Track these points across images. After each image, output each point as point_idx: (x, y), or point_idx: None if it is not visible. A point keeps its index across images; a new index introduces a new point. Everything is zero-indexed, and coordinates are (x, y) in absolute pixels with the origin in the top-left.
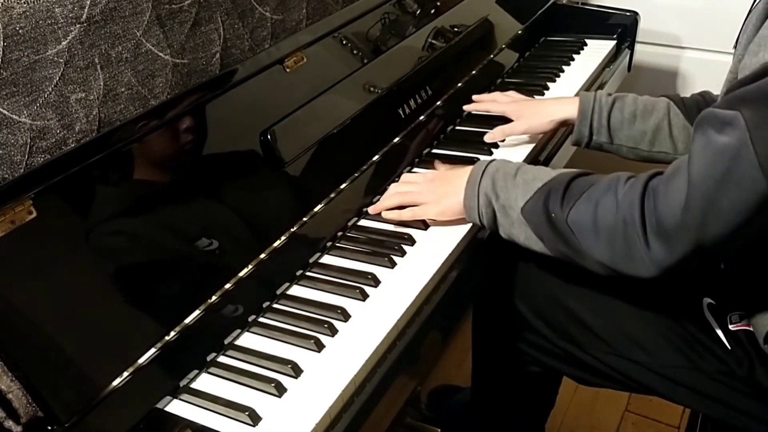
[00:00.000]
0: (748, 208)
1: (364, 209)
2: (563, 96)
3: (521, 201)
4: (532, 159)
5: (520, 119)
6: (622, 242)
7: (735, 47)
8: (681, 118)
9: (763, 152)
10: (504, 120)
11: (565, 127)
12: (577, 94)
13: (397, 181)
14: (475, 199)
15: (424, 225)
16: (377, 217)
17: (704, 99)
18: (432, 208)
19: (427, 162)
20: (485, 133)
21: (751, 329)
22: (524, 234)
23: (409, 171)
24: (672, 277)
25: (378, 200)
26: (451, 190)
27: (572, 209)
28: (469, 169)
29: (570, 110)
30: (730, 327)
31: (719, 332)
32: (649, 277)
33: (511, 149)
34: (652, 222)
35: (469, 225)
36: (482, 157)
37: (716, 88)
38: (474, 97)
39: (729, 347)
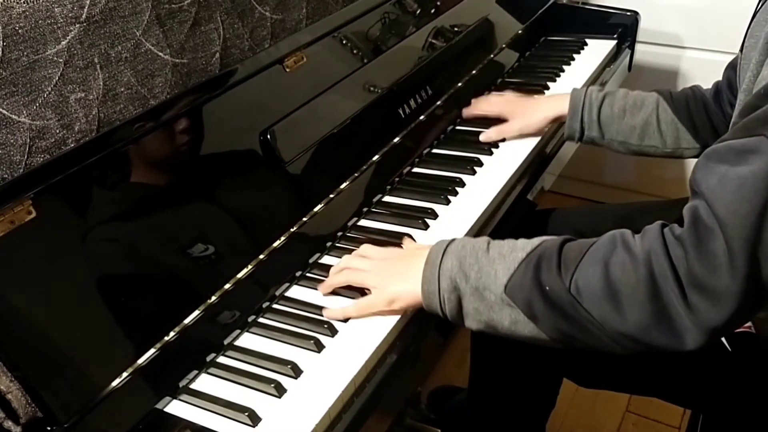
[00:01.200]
0: None
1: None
2: (557, 93)
3: (503, 278)
4: (536, 155)
5: (515, 119)
6: (654, 304)
7: (741, 50)
8: (669, 113)
9: None
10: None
11: (559, 123)
12: None
13: (399, 187)
14: (436, 283)
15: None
16: (377, 217)
17: (693, 93)
18: (380, 296)
19: (428, 162)
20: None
21: (752, 330)
22: (509, 317)
23: (409, 171)
24: (719, 339)
25: (379, 205)
26: (405, 271)
27: (575, 275)
28: (428, 248)
29: (562, 107)
30: None
31: None
32: (694, 347)
33: (512, 150)
34: (688, 276)
35: (471, 223)
36: (482, 157)
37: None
38: (473, 101)
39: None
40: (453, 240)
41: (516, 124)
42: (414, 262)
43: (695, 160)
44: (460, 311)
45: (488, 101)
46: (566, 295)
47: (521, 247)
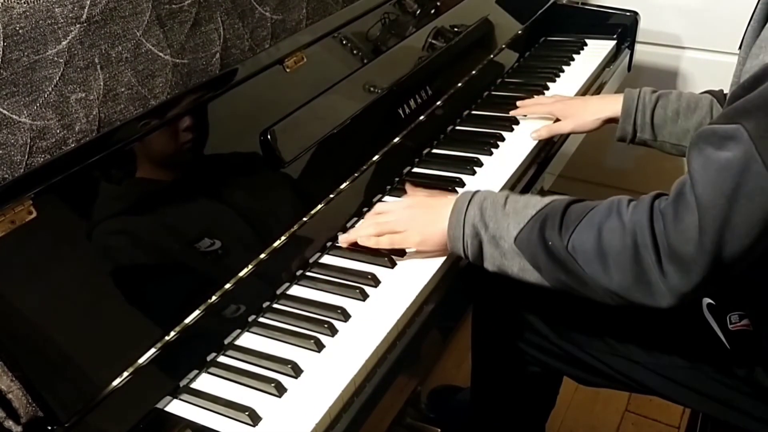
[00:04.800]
0: (763, 219)
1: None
2: (609, 94)
3: (514, 230)
4: (535, 156)
5: (567, 118)
6: (635, 268)
7: (740, 48)
8: None
9: None
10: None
11: (611, 124)
12: (577, 94)
13: (399, 188)
14: (461, 229)
15: (402, 253)
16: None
17: None
18: (412, 236)
19: (427, 162)
20: (485, 133)
21: (751, 329)
22: (518, 265)
23: (409, 171)
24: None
25: (380, 198)
26: (433, 218)
27: (573, 235)
28: (452, 197)
29: (615, 108)
30: (730, 327)
31: (719, 332)
32: (667, 307)
33: (512, 150)
34: (665, 247)
35: None
36: (482, 157)
37: (716, 89)
38: (518, 103)
39: (729, 347)
40: (477, 191)
41: (568, 123)
42: (441, 209)
43: None
44: (480, 254)
45: (537, 102)
46: (565, 252)
47: (533, 205)
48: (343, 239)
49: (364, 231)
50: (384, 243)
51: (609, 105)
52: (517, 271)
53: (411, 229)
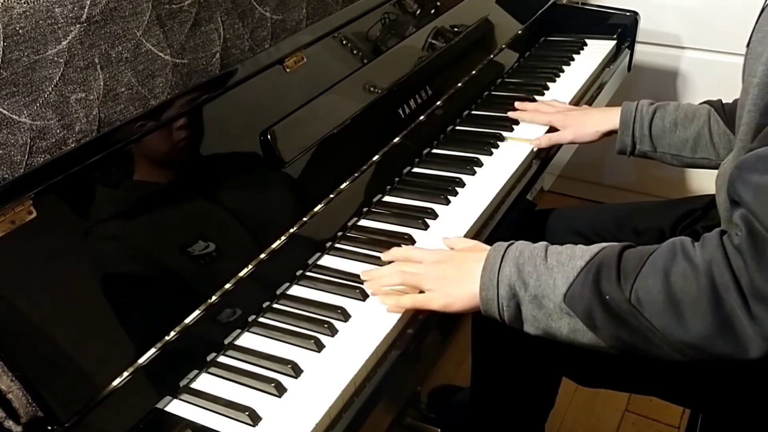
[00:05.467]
0: None
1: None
2: (609, 107)
3: (563, 287)
4: (535, 156)
5: (567, 129)
6: (716, 313)
7: (748, 45)
8: (721, 125)
9: None
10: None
11: (610, 136)
12: (577, 93)
13: (399, 187)
14: (494, 290)
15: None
16: (377, 217)
17: None
18: (437, 298)
19: (428, 162)
20: (485, 133)
21: None
22: (568, 326)
23: (409, 171)
24: None
25: (379, 205)
26: (461, 276)
27: (635, 285)
28: (484, 252)
29: (615, 121)
30: None
31: None
32: (757, 356)
33: (512, 150)
34: (749, 286)
35: (471, 223)
36: (482, 157)
37: (716, 89)
38: (517, 104)
39: None
40: (511, 244)
41: (568, 134)
42: (471, 267)
43: None
44: (519, 317)
45: (537, 109)
46: (627, 305)
47: (580, 255)
48: (365, 277)
49: (388, 279)
50: (406, 302)
51: (609, 117)
52: (567, 333)
53: (438, 290)
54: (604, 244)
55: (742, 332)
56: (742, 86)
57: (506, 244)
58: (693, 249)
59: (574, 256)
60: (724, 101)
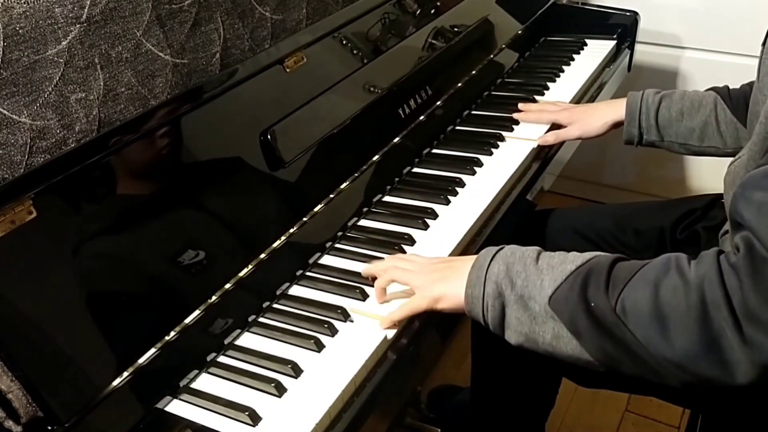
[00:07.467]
0: None
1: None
2: (615, 99)
3: (549, 289)
4: (535, 156)
5: (574, 124)
6: (703, 332)
7: (764, 44)
8: (728, 113)
9: None
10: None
11: (618, 128)
12: (577, 93)
13: (399, 187)
14: (481, 287)
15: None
16: (377, 217)
17: (752, 90)
18: (425, 294)
19: (428, 162)
20: (485, 133)
21: None
22: (552, 331)
23: (409, 171)
24: None
25: (379, 205)
26: (451, 273)
27: (622, 294)
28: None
29: (621, 112)
30: None
31: None
32: (744, 382)
33: (512, 150)
34: (742, 306)
35: (471, 223)
36: (482, 157)
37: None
38: (521, 105)
39: None
40: (503, 246)
41: (575, 129)
42: (461, 266)
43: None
44: (502, 321)
45: (542, 109)
46: (611, 315)
47: (571, 260)
48: (365, 272)
49: (381, 277)
50: (396, 316)
51: (614, 109)
52: (550, 339)
53: (425, 286)
54: (597, 253)
55: (730, 354)
56: (756, 84)
57: (501, 246)
58: (687, 265)
59: (566, 261)
60: (731, 88)
